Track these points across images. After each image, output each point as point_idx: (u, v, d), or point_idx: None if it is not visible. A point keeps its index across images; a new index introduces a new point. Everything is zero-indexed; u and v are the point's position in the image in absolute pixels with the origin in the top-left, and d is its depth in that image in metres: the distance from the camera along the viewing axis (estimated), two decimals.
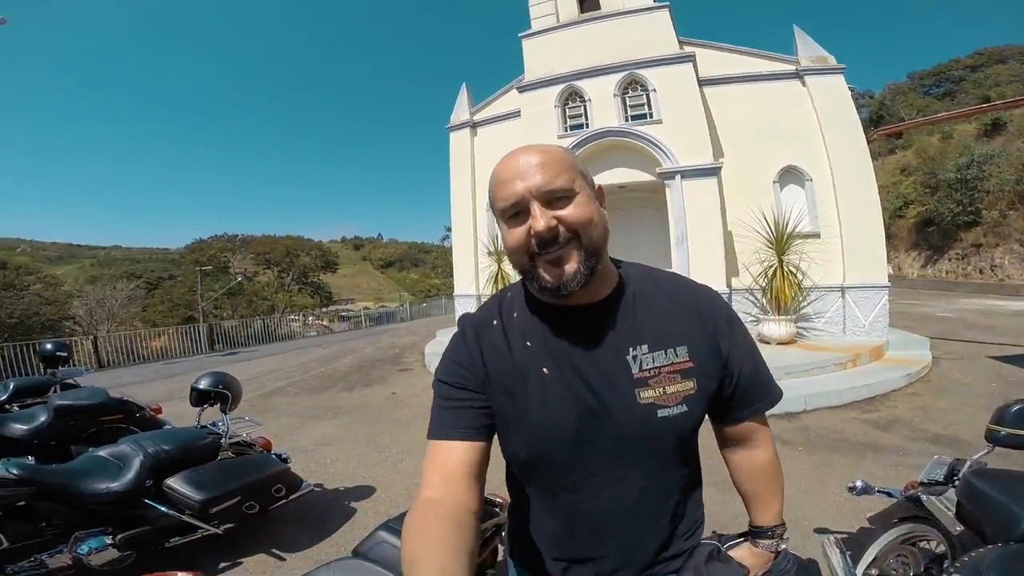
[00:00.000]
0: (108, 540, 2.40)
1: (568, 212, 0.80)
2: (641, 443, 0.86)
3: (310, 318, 32.47)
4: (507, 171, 0.82)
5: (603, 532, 0.91)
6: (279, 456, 3.24)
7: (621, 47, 8.04)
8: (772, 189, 8.02)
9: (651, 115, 7.86)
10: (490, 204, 0.87)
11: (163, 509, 2.57)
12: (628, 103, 8.08)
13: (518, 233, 0.82)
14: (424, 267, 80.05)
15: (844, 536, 2.56)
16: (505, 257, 8.53)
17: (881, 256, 7.65)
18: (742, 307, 7.95)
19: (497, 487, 1.30)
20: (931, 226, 22.16)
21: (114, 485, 2.50)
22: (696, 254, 7.53)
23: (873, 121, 34.12)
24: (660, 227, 8.23)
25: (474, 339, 0.92)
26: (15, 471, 2.26)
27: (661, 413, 0.85)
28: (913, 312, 12.32)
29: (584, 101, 8.28)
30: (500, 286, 9.21)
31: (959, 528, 1.77)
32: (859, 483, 2.10)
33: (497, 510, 2.09)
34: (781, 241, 7.37)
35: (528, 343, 0.89)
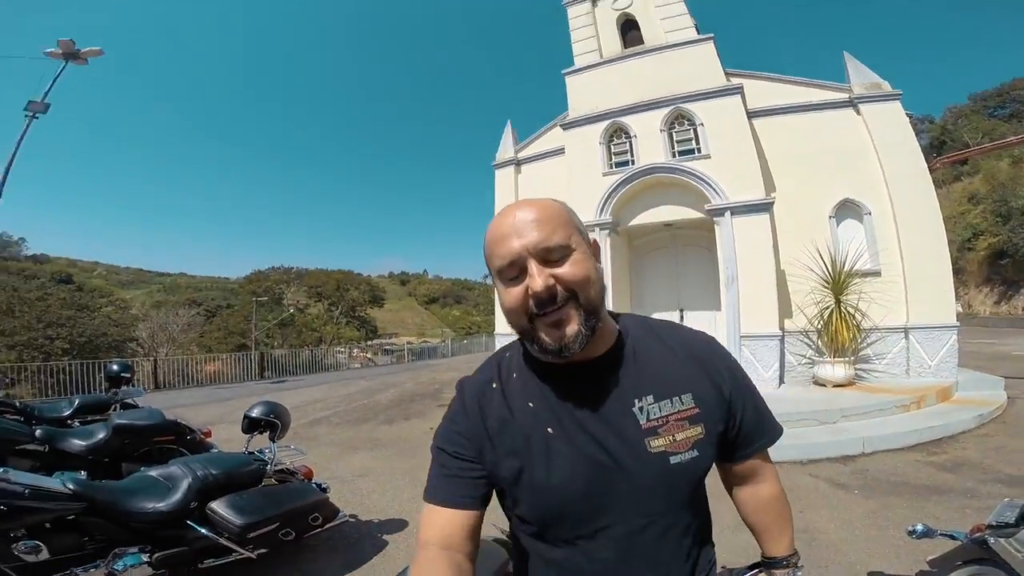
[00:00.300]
0: (144, 558, 2.43)
1: (565, 271, 0.78)
2: (656, 491, 0.85)
3: (355, 350, 33.21)
4: (502, 228, 0.80)
5: None
6: (319, 486, 3.24)
7: (666, 81, 8.04)
8: (828, 224, 7.70)
9: (699, 150, 7.75)
10: (486, 263, 0.86)
11: (203, 531, 2.59)
12: (675, 138, 8.01)
13: (515, 293, 0.79)
14: (466, 304, 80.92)
15: None
16: None
17: (948, 293, 7.14)
18: (796, 349, 7.56)
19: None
20: (1004, 258, 20.62)
21: (160, 505, 2.55)
22: (747, 295, 7.25)
23: (935, 147, 32.60)
24: (709, 266, 7.99)
25: (474, 405, 0.91)
26: (71, 486, 2.33)
27: (674, 460, 0.84)
28: (986, 351, 11.46)
29: (630, 137, 8.26)
30: None
31: None
32: (920, 526, 2.03)
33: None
34: (838, 281, 7.03)
35: (530, 403, 0.88)
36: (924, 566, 2.17)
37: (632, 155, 8.22)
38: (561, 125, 9.04)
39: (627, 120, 8.25)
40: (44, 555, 2.20)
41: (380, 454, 5.71)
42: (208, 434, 4.24)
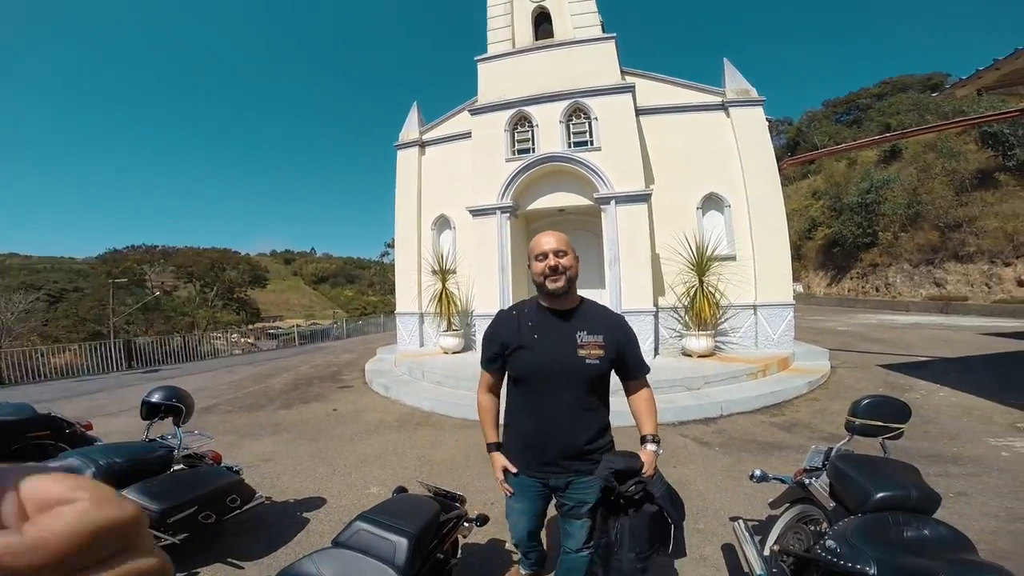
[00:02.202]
0: None
1: (563, 260, 1.87)
2: (576, 376, 1.86)
3: (234, 335, 30.62)
4: (542, 239, 1.90)
5: (551, 429, 1.90)
6: (230, 468, 3.23)
7: (569, 75, 8.52)
8: (695, 215, 8.77)
9: (591, 142, 8.35)
10: (529, 252, 1.94)
11: None
12: (572, 130, 8.52)
13: (541, 266, 1.87)
14: (361, 283, 77.82)
15: (754, 522, 2.96)
16: (449, 276, 8.62)
17: (787, 276, 8.53)
18: (667, 323, 8.56)
19: (464, 485, 1.60)
20: (836, 247, 24.42)
21: None
22: (627, 275, 8.06)
23: (791, 147, 36.63)
24: (596, 249, 8.74)
25: (504, 322, 2.00)
26: None
27: (588, 362, 1.86)
28: (817, 327, 13.66)
29: (532, 126, 8.64)
30: (444, 304, 9.34)
31: (832, 504, 2.10)
32: (758, 472, 2.53)
33: (457, 504, 2.29)
34: (702, 264, 8.07)
35: (530, 323, 1.94)
36: (769, 510, 2.69)
37: (534, 143, 8.62)
38: (470, 110, 9.13)
39: (531, 110, 8.61)
40: None
41: (282, 438, 5.59)
42: (89, 427, 3.93)
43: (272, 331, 35.19)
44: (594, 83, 8.38)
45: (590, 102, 8.37)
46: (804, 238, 26.59)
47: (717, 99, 8.91)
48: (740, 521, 2.55)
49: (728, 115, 8.81)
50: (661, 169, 8.90)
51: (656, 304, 8.35)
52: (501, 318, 2.03)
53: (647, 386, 2.00)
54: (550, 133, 8.50)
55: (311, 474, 4.39)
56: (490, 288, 8.58)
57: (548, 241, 1.88)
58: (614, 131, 8.21)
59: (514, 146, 8.74)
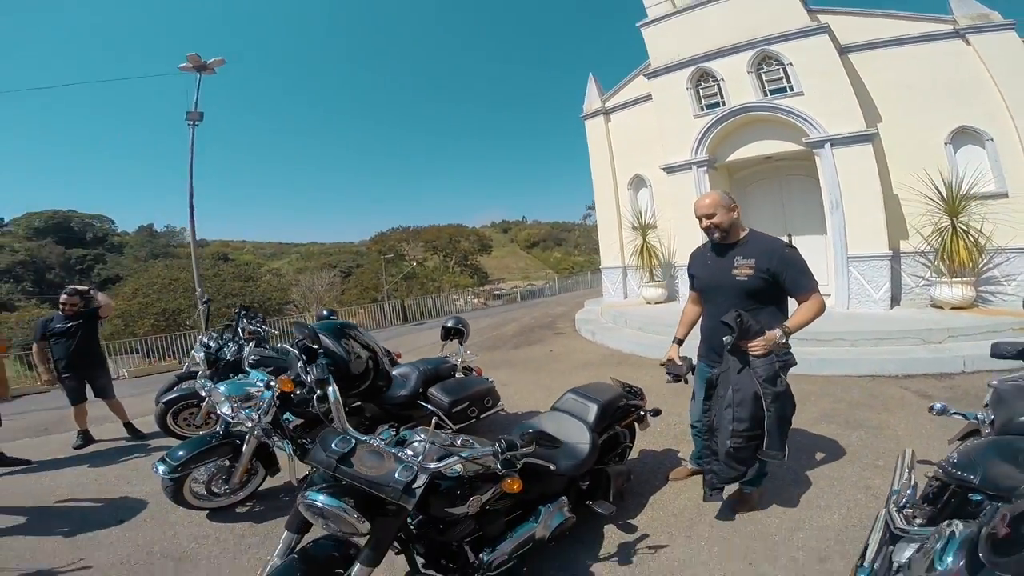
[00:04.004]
0: (393, 432, 3.98)
1: (712, 221, 2.68)
2: (731, 289, 2.64)
3: (469, 296, 36.12)
4: (697, 204, 2.77)
5: (715, 326, 2.65)
6: (487, 380, 4.68)
7: (747, 25, 8.05)
8: (944, 151, 7.48)
9: (791, 88, 7.79)
10: (695, 211, 2.79)
11: (428, 408, 4.07)
12: (765, 78, 8.06)
13: (703, 224, 2.74)
14: (567, 246, 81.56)
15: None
16: (648, 231, 9.20)
17: None
18: (913, 271, 7.63)
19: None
20: None
21: (403, 392, 4.11)
22: (852, 218, 7.46)
23: None
24: (813, 195, 8.15)
25: (694, 257, 3.02)
26: None
27: (738, 278, 2.61)
28: None
29: (717, 80, 8.41)
30: (645, 257, 9.95)
31: (987, 431, 2.12)
32: (938, 405, 2.40)
33: (637, 396, 3.19)
34: (954, 203, 6.97)
35: (707, 255, 2.87)
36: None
37: (722, 97, 8.39)
38: (644, 75, 9.30)
39: (711, 65, 8.38)
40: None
41: (513, 370, 7.23)
42: (399, 355, 5.95)
43: (497, 292, 40.18)
44: (778, 29, 7.74)
45: (779, 48, 7.75)
46: None
47: (947, 27, 7.40)
48: (908, 450, 2.47)
49: (968, 43, 7.27)
50: (888, 106, 7.79)
51: (895, 248, 7.53)
52: (693, 254, 3.06)
53: (809, 299, 2.57)
54: (739, 84, 8.17)
55: (532, 395, 5.77)
56: (690, 240, 8.85)
57: (700, 207, 2.71)
58: (815, 73, 7.52)
59: (700, 102, 8.64)
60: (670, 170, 9.00)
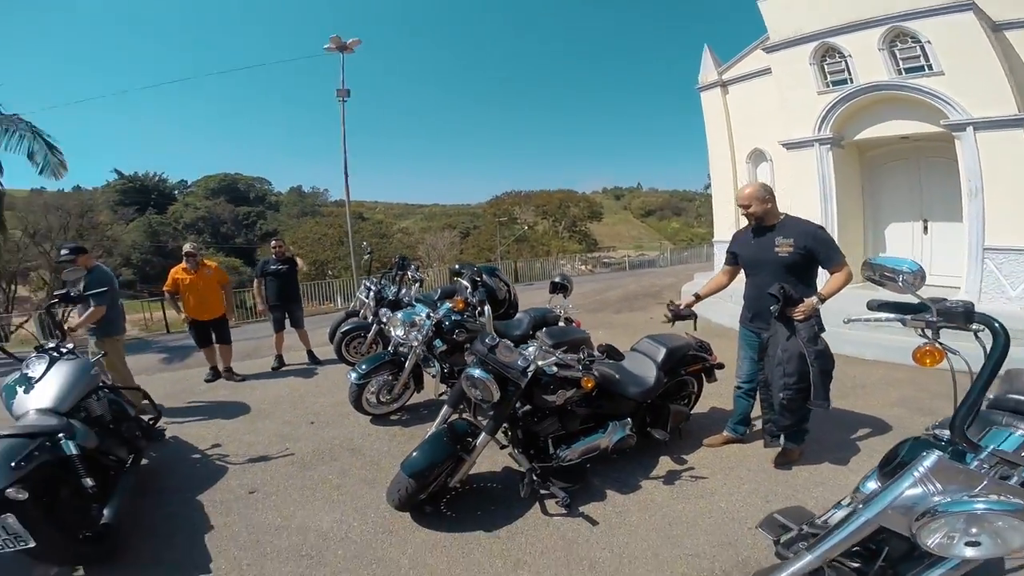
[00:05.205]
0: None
1: (749, 211, 3.29)
2: (773, 264, 3.21)
3: (576, 262, 36.82)
4: (740, 193, 3.38)
5: (760, 296, 3.22)
6: (584, 331, 5.56)
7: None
8: None
9: (929, 67, 7.13)
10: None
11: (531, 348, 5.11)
12: (899, 56, 7.42)
13: (743, 214, 3.36)
14: (687, 216, 77.68)
15: None
16: None
17: None
18: None
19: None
20: None
21: (517, 332, 5.13)
22: (993, 208, 6.87)
23: None
24: (956, 178, 7.51)
25: (737, 236, 3.59)
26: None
27: (780, 254, 3.18)
28: None
29: (844, 57, 7.93)
30: None
31: None
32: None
33: (704, 349, 3.91)
34: None
35: (750, 234, 3.41)
36: None
37: (850, 73, 7.86)
38: (763, 48, 8.93)
39: (838, 40, 7.85)
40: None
41: (612, 331, 8.02)
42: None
43: (606, 259, 40.25)
44: (914, 4, 7.00)
45: (915, 25, 7.03)
46: None
47: None
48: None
49: None
50: None
51: None
52: (735, 235, 3.60)
53: (840, 270, 3.10)
54: (869, 61, 7.58)
55: None
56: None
57: (740, 197, 3.33)
58: (958, 53, 6.77)
59: (826, 78, 8.21)
60: (791, 146, 8.83)
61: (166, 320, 12.20)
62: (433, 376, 4.60)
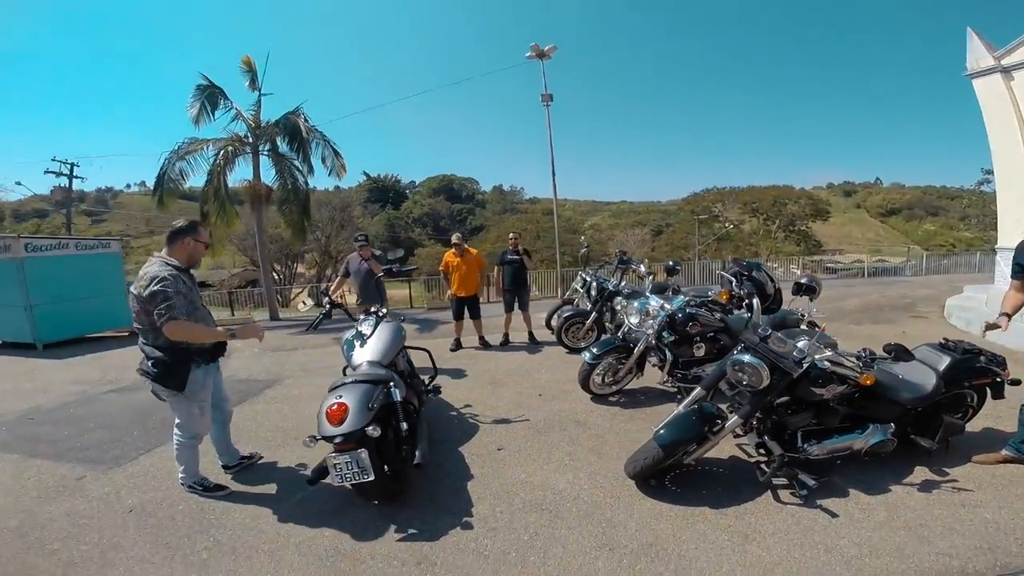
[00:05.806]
0: None
1: None
2: None
3: (792, 267, 32.46)
4: None
5: None
6: (830, 336, 5.03)
7: None
8: None
9: None
10: None
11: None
12: None
13: None
14: (947, 216, 62.13)
15: None
16: None
17: None
18: None
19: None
20: None
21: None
22: None
23: None
24: None
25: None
26: None
27: None
28: None
29: None
30: None
31: None
32: None
33: (996, 364, 3.39)
34: None
35: None
36: None
37: None
38: None
39: None
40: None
41: (850, 343, 6.95)
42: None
43: (830, 264, 34.86)
44: None
45: None
46: None
47: None
48: None
49: None
50: None
51: None
52: (1019, 245, 3.15)
53: None
54: None
55: None
56: None
57: None
58: None
59: None
60: None
61: (410, 296, 14.88)
62: (653, 365, 4.78)
